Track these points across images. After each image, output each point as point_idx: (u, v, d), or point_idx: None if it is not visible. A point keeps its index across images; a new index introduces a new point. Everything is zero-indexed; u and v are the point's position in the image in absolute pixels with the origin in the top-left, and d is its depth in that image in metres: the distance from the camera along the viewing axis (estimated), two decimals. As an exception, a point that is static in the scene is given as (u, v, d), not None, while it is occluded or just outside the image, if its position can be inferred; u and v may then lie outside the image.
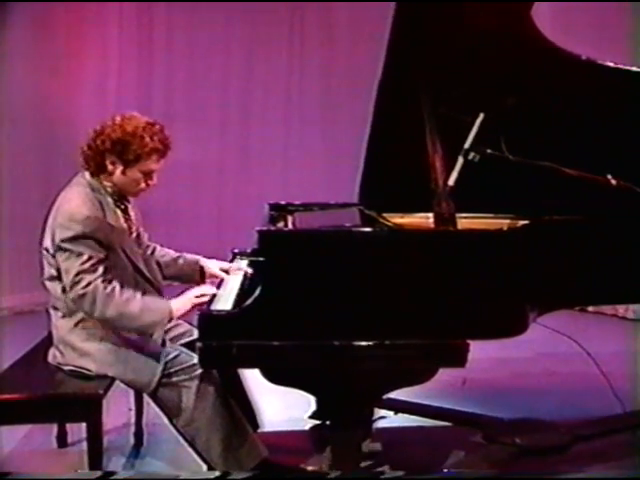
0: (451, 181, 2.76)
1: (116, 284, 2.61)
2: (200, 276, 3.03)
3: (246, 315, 2.44)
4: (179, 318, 2.75)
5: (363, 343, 2.46)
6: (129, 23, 5.71)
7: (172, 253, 3.07)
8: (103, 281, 2.59)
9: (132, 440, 3.32)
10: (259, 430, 2.98)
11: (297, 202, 3.43)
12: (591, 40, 3.93)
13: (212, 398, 2.64)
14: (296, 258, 2.47)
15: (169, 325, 2.84)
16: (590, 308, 5.08)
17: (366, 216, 3.12)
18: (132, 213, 2.85)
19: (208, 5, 5.60)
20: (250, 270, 2.89)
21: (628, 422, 3.36)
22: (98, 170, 2.71)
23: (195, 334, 2.64)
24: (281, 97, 6.03)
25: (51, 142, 5.34)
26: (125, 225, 2.78)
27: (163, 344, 2.76)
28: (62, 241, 2.60)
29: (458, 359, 2.49)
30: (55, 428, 3.24)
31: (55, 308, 2.75)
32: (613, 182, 2.84)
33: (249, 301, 2.44)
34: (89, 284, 2.57)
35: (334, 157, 5.85)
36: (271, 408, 3.23)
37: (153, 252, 3.02)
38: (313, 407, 2.71)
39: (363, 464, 2.75)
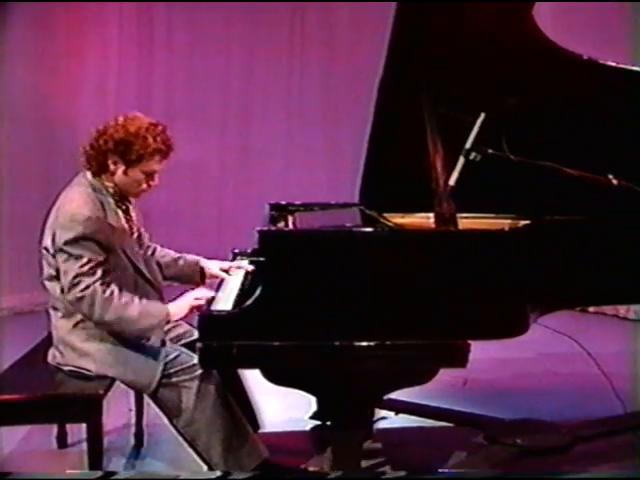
0: (452, 181, 2.76)
1: (115, 288, 2.61)
2: (200, 277, 3.03)
3: (246, 315, 2.43)
4: (178, 320, 2.76)
5: (364, 343, 2.46)
6: (129, 23, 5.70)
7: (172, 254, 3.07)
8: (102, 284, 2.58)
9: (132, 441, 3.31)
10: (259, 431, 2.98)
11: (298, 202, 3.42)
12: (592, 40, 3.92)
13: (212, 398, 2.63)
14: (296, 258, 2.47)
15: (168, 326, 2.84)
16: (591, 308, 5.08)
17: (367, 216, 3.12)
18: (133, 214, 2.85)
19: (208, 5, 5.59)
20: (250, 267, 2.88)
21: (629, 423, 3.35)
22: (100, 170, 2.71)
23: (195, 334, 2.64)
24: (281, 97, 6.02)
25: (51, 142, 5.34)
26: (126, 226, 2.77)
27: (163, 344, 2.76)
28: (64, 243, 2.59)
29: (459, 359, 2.49)
30: (55, 429, 3.23)
31: (55, 308, 2.75)
32: (614, 182, 2.84)
33: (249, 301, 2.44)
34: (87, 287, 2.57)
35: (335, 157, 5.85)
36: (271, 409, 3.22)
37: (153, 253, 3.02)
38: (314, 408, 2.71)
39: (364, 464, 2.75)
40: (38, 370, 2.77)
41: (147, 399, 2.82)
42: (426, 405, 3.46)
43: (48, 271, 2.71)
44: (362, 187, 3.21)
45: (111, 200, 2.72)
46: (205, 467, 2.70)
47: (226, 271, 2.97)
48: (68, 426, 3.20)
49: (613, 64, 2.95)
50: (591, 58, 2.94)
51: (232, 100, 6.00)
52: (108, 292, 2.59)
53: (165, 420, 2.72)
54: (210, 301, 2.65)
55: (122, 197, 2.77)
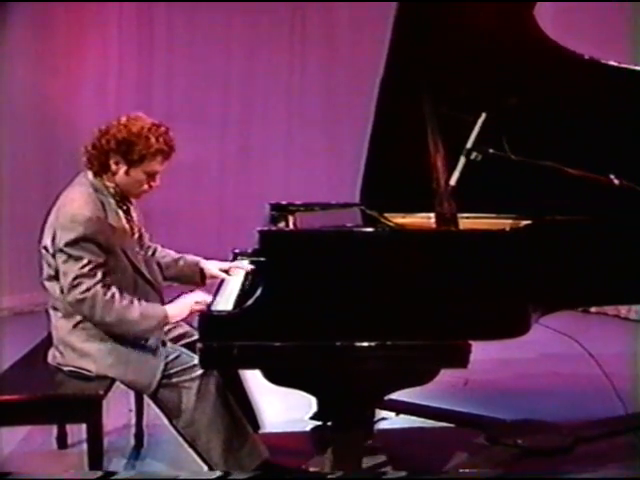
0: (453, 181, 2.75)
1: (115, 290, 2.61)
2: (200, 277, 3.02)
3: (247, 315, 2.43)
4: (177, 322, 2.76)
5: (364, 344, 2.45)
6: (129, 23, 5.70)
7: (173, 254, 3.07)
8: (103, 286, 2.59)
9: (132, 441, 3.31)
10: (260, 431, 2.97)
11: (298, 202, 3.42)
12: (593, 39, 3.91)
13: (213, 399, 2.63)
14: (297, 258, 2.46)
15: (169, 326, 2.84)
16: (592, 309, 5.08)
17: (367, 216, 3.12)
18: (134, 214, 2.85)
19: (208, 5, 5.59)
20: (250, 267, 2.88)
21: (630, 423, 3.35)
22: (101, 170, 2.71)
23: (195, 335, 2.64)
24: (282, 97, 6.02)
25: (51, 142, 5.34)
26: (127, 226, 2.77)
27: (164, 345, 2.75)
28: (64, 244, 2.59)
29: (460, 360, 2.48)
30: (55, 429, 3.23)
31: (55, 309, 2.74)
32: (616, 182, 2.83)
33: (250, 301, 2.43)
34: (88, 289, 2.57)
35: (335, 157, 5.85)
36: (272, 409, 3.22)
37: (154, 253, 3.02)
38: (314, 408, 2.71)
39: (365, 465, 2.74)
40: (38, 370, 2.76)
41: (147, 399, 2.82)
42: (427, 406, 3.45)
43: (48, 271, 2.71)
44: (363, 187, 3.21)
45: (112, 200, 2.72)
46: (205, 467, 2.69)
47: (226, 272, 2.97)
48: (68, 426, 3.20)
49: (614, 63, 2.95)
50: (592, 58, 2.94)
51: (232, 100, 5.99)
52: (109, 294, 2.59)
53: (165, 420, 2.72)
54: (209, 304, 2.65)
55: (123, 197, 2.77)
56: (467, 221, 2.83)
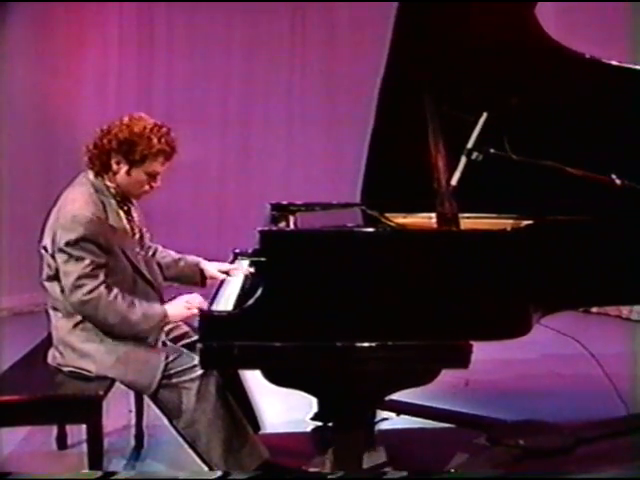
0: (454, 181, 2.75)
1: (117, 291, 2.61)
2: (201, 278, 3.02)
3: (247, 316, 2.42)
4: (177, 321, 2.76)
5: (365, 344, 2.44)
6: (129, 23, 5.70)
7: (173, 254, 3.07)
8: (106, 287, 2.59)
9: (132, 442, 3.30)
10: (260, 432, 2.96)
11: (299, 202, 3.42)
12: (595, 40, 3.91)
13: (213, 399, 2.62)
14: (298, 258, 2.46)
15: (169, 326, 2.84)
16: (594, 309, 5.07)
17: (368, 216, 3.11)
18: (135, 214, 2.85)
19: (208, 5, 5.59)
20: (251, 269, 2.88)
21: (632, 424, 3.34)
22: (102, 169, 2.70)
23: (195, 335, 2.63)
24: (282, 97, 6.02)
25: (51, 142, 5.34)
26: (127, 227, 2.77)
27: (164, 345, 2.74)
28: (65, 244, 2.59)
29: (461, 360, 2.47)
30: (55, 430, 3.22)
31: (55, 309, 2.73)
32: (617, 182, 2.82)
33: (250, 301, 2.42)
34: (92, 290, 2.57)
35: (336, 157, 5.85)
36: (272, 410, 3.21)
37: (154, 253, 3.02)
38: (315, 409, 2.70)
39: (365, 465, 2.73)
40: (38, 371, 2.76)
41: (147, 400, 2.81)
42: (428, 406, 3.45)
43: (48, 272, 2.70)
44: (364, 187, 3.20)
45: (113, 201, 2.72)
46: (205, 468, 2.68)
47: (226, 273, 2.97)
48: (68, 427, 3.19)
49: (616, 63, 2.94)
50: (594, 57, 2.93)
51: (233, 100, 5.99)
52: (112, 295, 2.59)
53: (165, 421, 2.71)
54: (210, 304, 2.65)
55: (124, 198, 2.76)
56: (468, 221, 2.82)
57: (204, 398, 2.61)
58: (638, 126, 2.97)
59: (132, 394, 3.09)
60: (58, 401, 2.62)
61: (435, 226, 2.75)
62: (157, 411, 2.72)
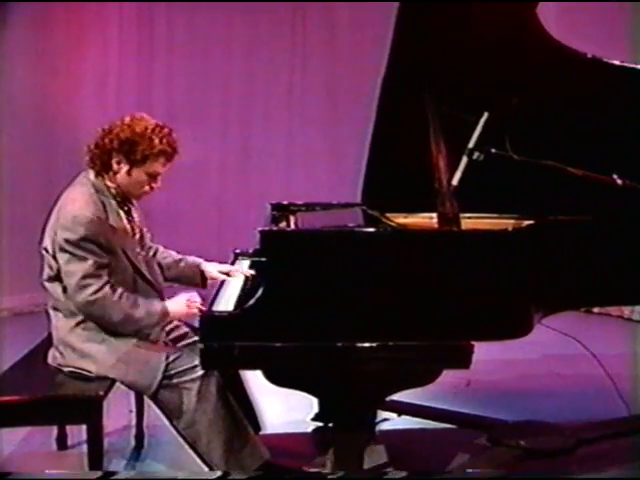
0: (455, 181, 2.75)
1: (121, 289, 2.62)
2: (201, 279, 3.02)
3: (248, 316, 2.42)
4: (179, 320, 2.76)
5: (366, 344, 2.44)
6: (129, 23, 5.69)
7: (174, 255, 3.06)
8: (110, 286, 2.59)
9: (133, 442, 3.30)
10: (261, 432, 2.96)
11: (299, 202, 3.41)
12: (596, 39, 3.90)
13: (213, 400, 2.62)
14: (298, 258, 2.45)
15: (169, 327, 2.83)
16: (595, 309, 5.06)
17: (369, 216, 3.10)
18: (135, 215, 2.85)
19: (209, 5, 5.58)
20: (251, 272, 2.87)
21: (633, 425, 3.34)
22: (103, 169, 2.70)
23: (196, 336, 2.63)
24: (283, 97, 6.01)
25: (51, 142, 5.33)
26: (128, 227, 2.77)
27: (165, 345, 2.74)
28: (66, 244, 2.58)
29: (462, 361, 2.47)
30: (55, 430, 3.22)
31: (55, 309, 2.73)
32: (619, 182, 2.82)
33: (251, 302, 2.42)
34: (98, 291, 2.58)
35: (337, 157, 5.84)
36: (273, 410, 3.21)
37: (155, 254, 3.01)
38: (315, 409, 2.70)
39: (366, 466, 2.73)
40: (38, 371, 2.75)
41: (148, 400, 2.80)
42: (429, 406, 3.45)
43: (49, 272, 2.70)
44: (364, 187, 3.20)
45: (113, 201, 2.72)
46: (206, 468, 2.68)
47: (226, 274, 2.96)
48: (68, 428, 3.19)
49: (617, 62, 2.94)
50: (595, 56, 2.93)
51: (233, 100, 5.98)
52: (117, 294, 2.60)
53: (166, 421, 2.71)
54: (210, 304, 2.64)
55: (124, 198, 2.76)
56: (469, 221, 2.82)
57: (205, 398, 2.61)
58: (639, 126, 2.96)
59: (132, 394, 3.08)
60: (58, 401, 2.61)
61: (436, 226, 2.74)
62: (157, 411, 2.72)
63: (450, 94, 2.79)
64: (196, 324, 2.56)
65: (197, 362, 2.53)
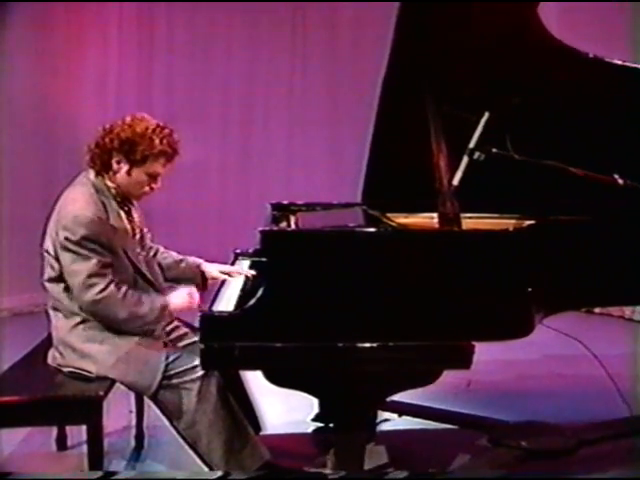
0: (456, 181, 2.75)
1: (125, 287, 2.62)
2: (202, 279, 3.02)
3: (248, 316, 2.41)
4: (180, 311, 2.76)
5: (367, 345, 2.44)
6: (129, 23, 5.68)
7: (174, 255, 3.06)
8: (115, 285, 2.60)
9: (133, 443, 3.30)
10: (261, 433, 2.95)
11: (300, 202, 3.41)
12: (596, 39, 3.90)
13: (214, 400, 2.61)
14: (299, 258, 2.45)
15: (170, 327, 2.83)
16: (596, 310, 5.06)
17: (370, 216, 3.10)
18: (135, 215, 2.85)
19: (209, 5, 5.57)
20: (252, 272, 2.87)
21: (634, 425, 3.33)
22: (103, 169, 2.70)
23: (196, 336, 2.62)
24: (283, 97, 6.00)
25: (51, 142, 5.33)
26: (128, 227, 2.77)
27: (165, 346, 2.73)
28: (67, 241, 2.58)
29: (463, 361, 2.47)
30: (55, 430, 3.21)
31: (55, 309, 2.73)
32: (620, 182, 2.82)
33: (251, 302, 2.42)
34: (104, 289, 2.58)
35: (337, 157, 5.84)
36: (273, 410, 3.20)
37: (155, 254, 3.01)
38: (316, 410, 2.70)
39: (367, 467, 2.72)
40: (38, 371, 2.75)
41: (148, 400, 2.80)
42: (429, 407, 3.44)
43: (50, 273, 2.70)
44: (365, 187, 3.20)
45: (113, 201, 2.71)
46: (206, 469, 2.68)
47: (227, 274, 2.96)
48: (68, 428, 3.18)
49: (619, 62, 2.93)
50: (596, 56, 2.92)
51: (233, 100, 5.97)
52: (122, 292, 2.60)
53: (166, 422, 2.70)
54: (210, 304, 2.64)
55: (124, 198, 2.76)
56: (470, 221, 2.81)
57: (205, 399, 2.60)
58: (640, 126, 2.96)
59: (132, 395, 3.08)
60: (58, 402, 2.61)
61: (437, 226, 2.74)
62: (157, 412, 2.71)
63: (451, 94, 2.79)
64: (196, 324, 2.56)
65: (197, 362, 2.52)
